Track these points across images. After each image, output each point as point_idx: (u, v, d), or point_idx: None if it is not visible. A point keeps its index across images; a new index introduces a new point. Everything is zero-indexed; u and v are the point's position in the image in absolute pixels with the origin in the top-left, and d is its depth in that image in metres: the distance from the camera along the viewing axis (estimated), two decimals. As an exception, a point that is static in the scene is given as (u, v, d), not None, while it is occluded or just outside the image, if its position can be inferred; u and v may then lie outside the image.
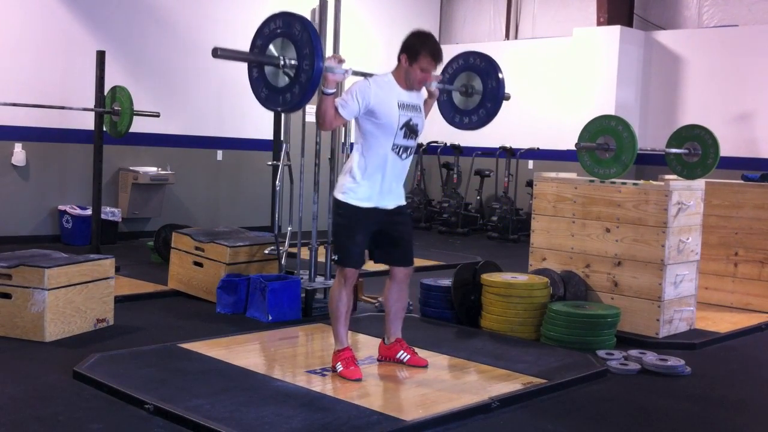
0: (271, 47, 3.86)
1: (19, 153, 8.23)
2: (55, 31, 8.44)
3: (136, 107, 7.01)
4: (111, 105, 6.99)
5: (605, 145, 5.47)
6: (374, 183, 4.06)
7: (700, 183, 5.56)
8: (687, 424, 3.78)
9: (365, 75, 4.16)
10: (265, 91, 3.90)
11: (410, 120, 4.07)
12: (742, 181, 6.43)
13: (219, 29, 9.54)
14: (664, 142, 6.44)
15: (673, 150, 6.24)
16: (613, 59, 9.96)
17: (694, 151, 6.19)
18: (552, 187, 5.68)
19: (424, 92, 4.30)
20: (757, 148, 9.28)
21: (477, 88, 4.66)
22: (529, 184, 10.03)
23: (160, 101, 8.87)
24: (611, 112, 9.18)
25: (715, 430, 3.74)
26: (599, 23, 10.37)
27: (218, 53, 3.64)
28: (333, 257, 4.19)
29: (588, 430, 3.64)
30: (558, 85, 10.80)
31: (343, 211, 4.10)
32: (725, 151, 6.55)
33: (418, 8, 12.06)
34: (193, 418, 3.35)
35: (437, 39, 4.28)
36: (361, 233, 4.08)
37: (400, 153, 4.09)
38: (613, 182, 5.40)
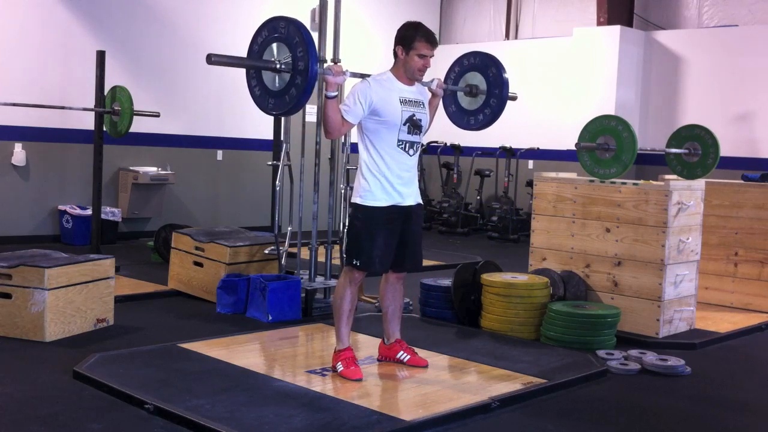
0: (267, 53, 3.90)
1: (19, 153, 8.23)
2: (55, 31, 8.44)
3: (136, 107, 7.01)
4: (111, 105, 6.99)
5: (605, 145, 5.47)
6: (385, 180, 4.03)
7: (700, 183, 5.56)
8: (687, 424, 3.78)
9: (363, 76, 4.17)
10: (271, 101, 3.91)
11: (413, 115, 4.07)
12: (742, 181, 6.43)
13: (219, 29, 9.55)
14: (664, 142, 6.44)
15: (673, 150, 6.24)
16: (613, 59, 9.96)
17: (694, 151, 6.19)
18: (552, 187, 5.68)
19: (428, 92, 4.30)
20: (757, 148, 9.28)
21: (481, 87, 4.68)
22: (529, 184, 10.04)
23: (160, 101, 8.87)
24: (611, 112, 9.18)
25: (715, 430, 3.74)
26: (599, 23, 10.37)
27: (212, 59, 3.68)
28: (354, 262, 4.04)
29: (588, 430, 3.64)
30: (558, 85, 10.80)
31: (361, 214, 4.05)
32: (725, 151, 6.55)
33: (418, 8, 12.06)
34: (193, 418, 3.35)
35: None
36: (381, 235, 4.04)
37: (407, 149, 4.08)
38: (613, 182, 5.40)
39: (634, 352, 4.68)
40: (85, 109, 7.19)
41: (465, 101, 4.76)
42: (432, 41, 4.05)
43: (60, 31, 8.47)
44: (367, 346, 4.68)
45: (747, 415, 3.97)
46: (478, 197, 11.05)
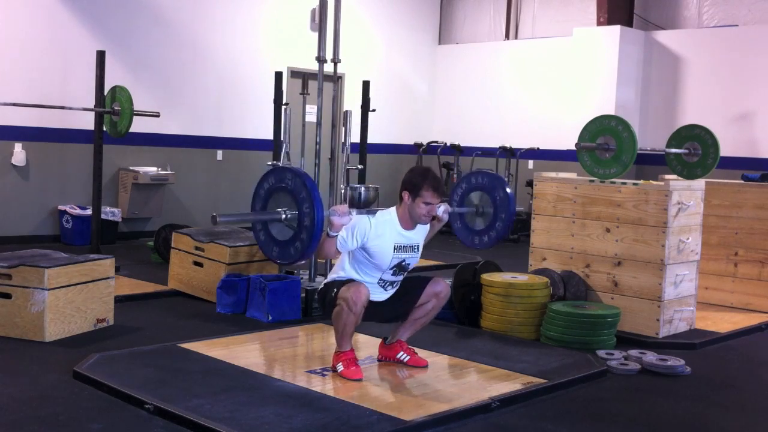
0: (272, 201, 3.92)
1: (19, 153, 8.24)
2: (55, 31, 8.44)
3: (136, 107, 7.01)
4: (111, 105, 6.99)
5: (605, 145, 5.47)
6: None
7: (700, 183, 5.56)
8: (687, 424, 3.78)
9: (370, 212, 4.15)
10: (276, 249, 3.91)
11: (403, 261, 4.14)
12: (742, 181, 6.43)
13: (219, 29, 9.53)
14: (664, 142, 6.45)
15: (673, 150, 6.24)
16: (613, 59, 9.96)
17: (694, 151, 6.19)
18: (552, 187, 5.69)
19: (427, 228, 4.29)
20: (757, 148, 9.28)
21: (487, 208, 4.66)
22: (529, 184, 10.03)
23: (160, 101, 8.87)
24: (611, 112, 9.18)
25: (715, 430, 3.74)
26: (599, 23, 10.37)
27: (218, 221, 3.70)
28: (334, 291, 4.03)
29: (588, 430, 3.64)
30: (558, 85, 10.80)
31: (330, 287, 4.08)
32: (725, 151, 6.55)
33: (418, 8, 12.06)
34: (193, 418, 3.35)
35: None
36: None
37: (385, 286, 4.18)
38: (613, 182, 5.40)
39: (634, 352, 4.68)
40: (85, 109, 7.19)
41: (471, 220, 4.77)
42: (439, 191, 4.06)
43: (60, 31, 8.47)
44: (367, 346, 4.68)
45: (747, 415, 3.97)
46: (478, 197, 11.04)
